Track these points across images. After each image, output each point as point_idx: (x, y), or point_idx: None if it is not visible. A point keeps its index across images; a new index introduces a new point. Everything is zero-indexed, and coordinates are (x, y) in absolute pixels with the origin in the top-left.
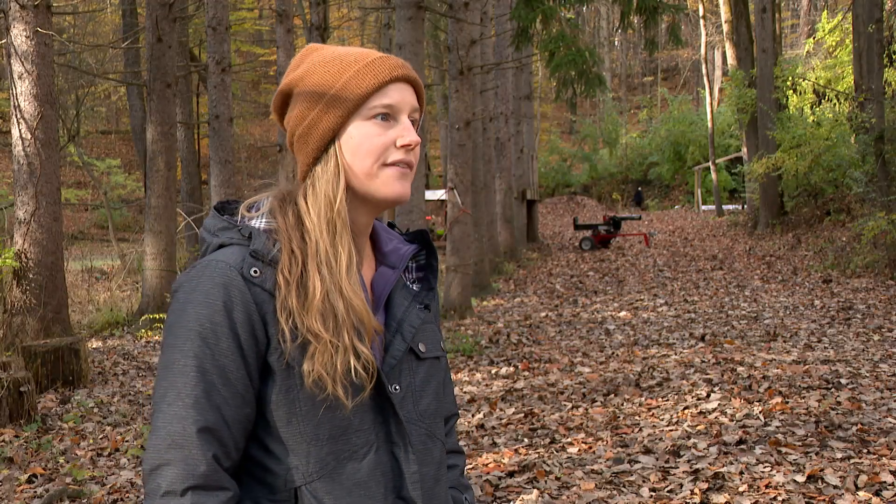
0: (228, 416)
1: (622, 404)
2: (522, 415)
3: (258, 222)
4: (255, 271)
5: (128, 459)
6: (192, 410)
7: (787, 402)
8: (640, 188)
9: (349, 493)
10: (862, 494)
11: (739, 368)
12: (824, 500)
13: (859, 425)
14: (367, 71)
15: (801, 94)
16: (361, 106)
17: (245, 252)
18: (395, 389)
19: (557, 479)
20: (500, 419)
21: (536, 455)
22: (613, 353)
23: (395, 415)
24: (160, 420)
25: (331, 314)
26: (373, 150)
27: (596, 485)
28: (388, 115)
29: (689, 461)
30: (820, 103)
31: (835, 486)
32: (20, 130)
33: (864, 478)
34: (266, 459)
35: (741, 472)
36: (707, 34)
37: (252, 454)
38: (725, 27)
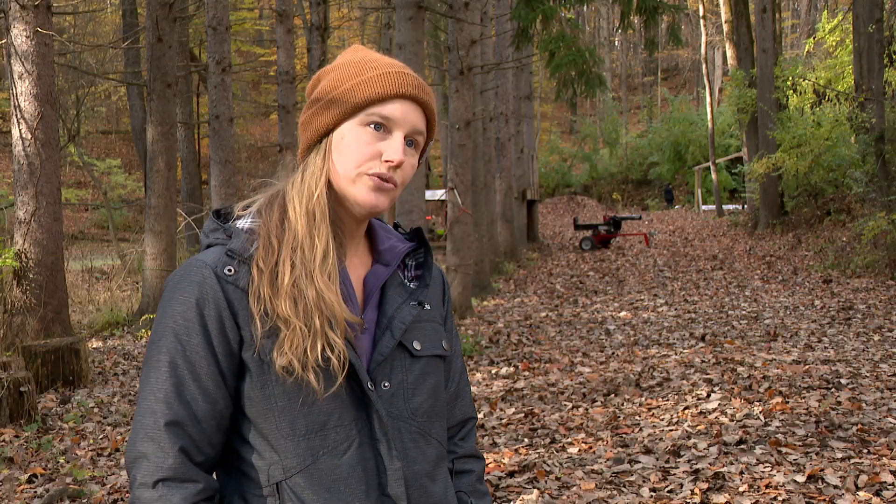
0: (199, 412)
1: (622, 404)
2: (522, 415)
3: (244, 222)
4: (230, 269)
5: None
6: (162, 405)
7: (788, 402)
8: (670, 185)
9: (328, 488)
10: (862, 494)
11: (739, 368)
12: (824, 500)
13: (859, 425)
14: (377, 80)
15: (801, 94)
16: (360, 111)
17: (223, 251)
18: (385, 386)
19: (557, 479)
20: (501, 419)
21: (536, 455)
22: (613, 353)
23: (377, 411)
24: (137, 413)
25: (301, 298)
26: (357, 156)
27: (596, 485)
28: (382, 127)
29: (689, 461)
30: (820, 103)
31: (835, 486)
32: (20, 130)
33: (864, 478)
34: (249, 455)
35: (741, 472)
36: (707, 34)
37: (237, 449)
38: (725, 27)
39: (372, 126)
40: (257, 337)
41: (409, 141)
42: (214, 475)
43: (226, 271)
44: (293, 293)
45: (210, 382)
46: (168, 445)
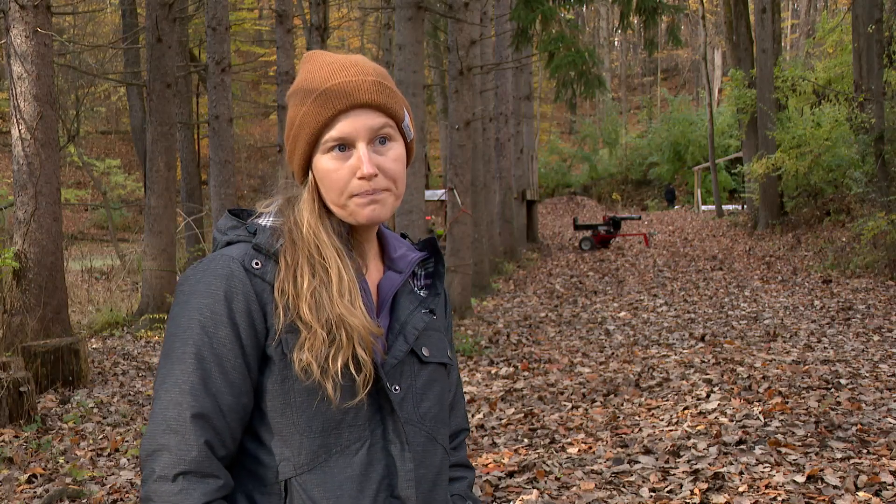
0: (224, 405)
1: (622, 404)
2: (522, 415)
3: (266, 220)
4: (257, 263)
5: (128, 459)
6: (188, 396)
7: (787, 403)
8: (671, 185)
9: (339, 487)
10: (862, 495)
11: (739, 369)
12: (824, 501)
13: (859, 425)
14: (317, 103)
15: (800, 94)
16: (316, 143)
17: (248, 246)
18: (396, 390)
19: (557, 479)
20: (500, 419)
21: (536, 455)
22: (613, 353)
23: (393, 413)
24: (158, 406)
25: (323, 310)
26: (334, 185)
27: (596, 485)
28: (344, 146)
29: (688, 461)
30: (820, 103)
31: (835, 487)
32: (20, 131)
33: (863, 478)
34: (258, 451)
35: (741, 473)
36: (707, 34)
37: (245, 445)
38: (725, 27)
39: (335, 150)
40: (280, 328)
41: (381, 139)
42: None
43: (253, 264)
44: (311, 301)
45: (237, 375)
46: (193, 438)
